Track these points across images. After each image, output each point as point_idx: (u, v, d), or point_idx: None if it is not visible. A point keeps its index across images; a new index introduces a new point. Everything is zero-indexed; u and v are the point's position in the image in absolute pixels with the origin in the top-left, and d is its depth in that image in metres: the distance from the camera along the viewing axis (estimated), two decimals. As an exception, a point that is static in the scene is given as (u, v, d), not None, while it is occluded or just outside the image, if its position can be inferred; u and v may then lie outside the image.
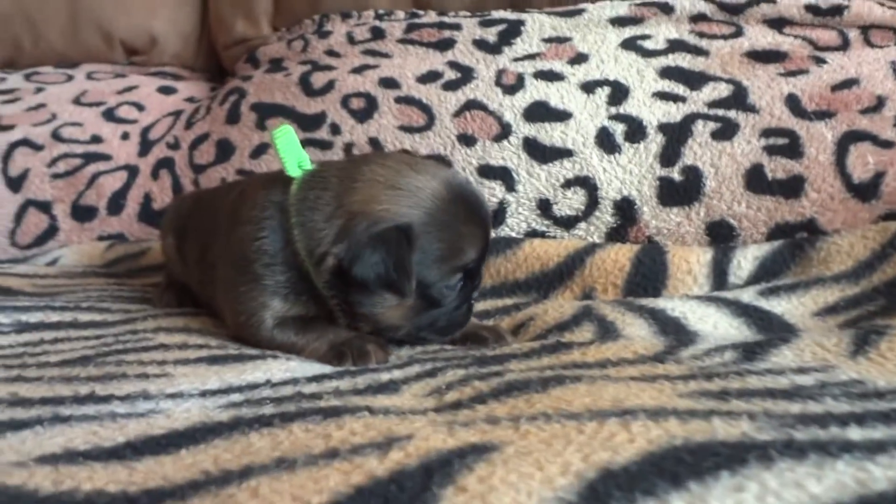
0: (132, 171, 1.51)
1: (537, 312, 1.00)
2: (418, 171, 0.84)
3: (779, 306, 0.95)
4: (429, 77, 1.32)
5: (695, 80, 1.21)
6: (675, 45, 1.26)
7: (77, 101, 1.63)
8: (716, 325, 0.90)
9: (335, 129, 1.33)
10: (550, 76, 1.26)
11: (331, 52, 1.45)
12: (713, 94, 1.20)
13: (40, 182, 1.52)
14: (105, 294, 1.16)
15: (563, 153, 1.19)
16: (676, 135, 1.17)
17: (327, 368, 0.79)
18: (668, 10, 1.31)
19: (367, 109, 1.32)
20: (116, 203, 1.48)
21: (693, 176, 1.14)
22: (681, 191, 1.14)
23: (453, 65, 1.32)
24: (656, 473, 0.42)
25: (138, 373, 0.73)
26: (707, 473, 0.41)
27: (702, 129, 1.16)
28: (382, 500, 0.41)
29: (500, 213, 1.21)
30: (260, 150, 1.39)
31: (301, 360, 0.82)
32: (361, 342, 0.82)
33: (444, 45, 1.36)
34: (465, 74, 1.30)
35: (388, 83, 1.33)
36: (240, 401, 0.65)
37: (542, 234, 1.20)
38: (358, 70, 1.38)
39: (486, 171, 1.22)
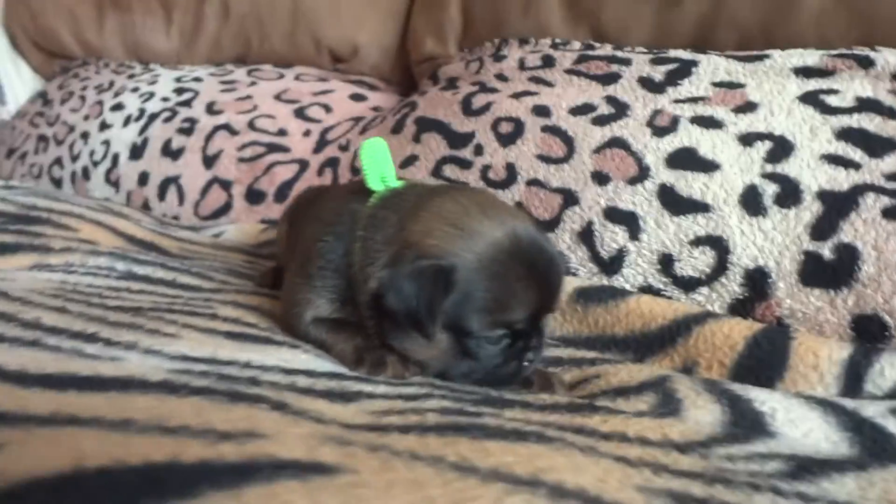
0: (303, 165, 1.61)
1: (608, 371, 0.90)
2: (486, 215, 0.79)
3: (910, 430, 0.76)
4: (582, 109, 1.25)
5: (878, 146, 1.02)
6: (865, 105, 1.07)
7: (278, 97, 1.78)
8: (807, 434, 0.74)
9: (478, 150, 1.31)
10: (708, 122, 1.13)
11: (500, 76, 1.44)
12: (897, 165, 1.00)
13: (228, 163, 1.68)
14: (228, 267, 1.24)
15: (700, 207, 1.07)
16: (838, 206, 0.99)
17: (341, 370, 0.77)
18: (866, 63, 1.12)
19: (512, 134, 1.29)
20: (283, 192, 1.59)
21: (848, 256, 0.96)
22: (829, 271, 0.96)
23: (610, 100, 1.25)
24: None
25: (154, 328, 0.76)
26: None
27: (871, 204, 0.97)
28: (157, 479, 0.39)
29: (617, 261, 1.11)
30: (409, 160, 1.41)
31: (327, 358, 0.81)
32: (383, 353, 0.79)
33: (609, 79, 1.29)
34: (619, 111, 1.22)
35: (541, 111, 1.29)
36: (210, 371, 0.65)
37: (658, 293, 1.08)
38: (517, 95, 1.35)
39: (613, 214, 1.12)
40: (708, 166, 1.09)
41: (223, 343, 0.77)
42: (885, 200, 0.97)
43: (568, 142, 1.22)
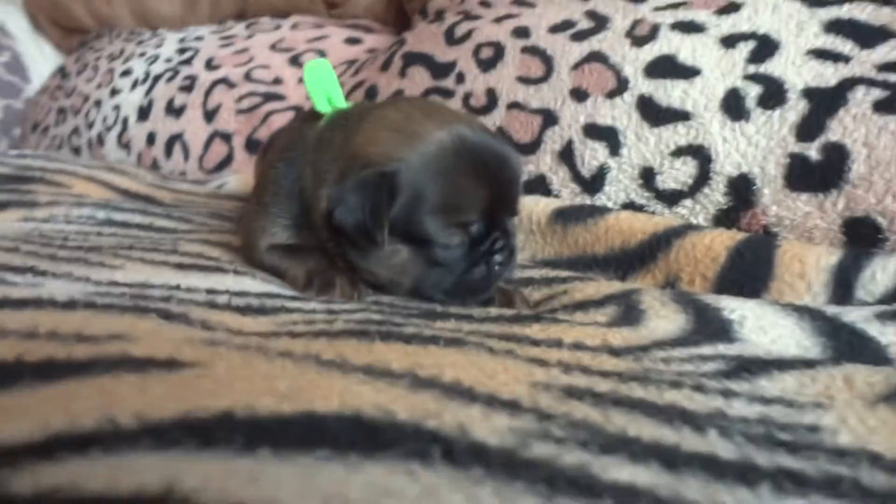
0: (299, 111, 1.59)
1: (576, 287, 0.86)
2: (430, 118, 0.76)
3: (892, 335, 0.71)
4: (561, 27, 1.19)
5: (870, 36, 0.94)
6: (859, -7, 0.99)
7: (273, 47, 1.76)
8: (775, 340, 0.70)
9: (460, 78, 1.27)
10: (689, 27, 1.06)
11: (483, 3, 1.38)
12: (890, 54, 0.92)
13: (227, 116, 1.67)
14: (214, 212, 1.24)
15: (679, 116, 1.00)
16: (826, 103, 0.91)
17: (281, 292, 0.75)
18: (861, -51, 1.03)
19: (493, 59, 1.24)
20: (280, 141, 1.57)
21: (836, 156, 0.89)
22: (817, 173, 0.90)
23: (591, 14, 1.18)
24: (298, 432, 0.34)
25: (99, 261, 0.76)
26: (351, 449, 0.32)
27: (861, 98, 0.90)
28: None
29: (598, 179, 1.06)
30: (397, 93, 1.37)
31: (276, 284, 0.80)
32: (332, 274, 0.77)
33: (589, -7, 1.22)
34: (599, 24, 1.15)
35: (521, 32, 1.23)
36: (129, 293, 0.64)
37: (641, 209, 1.03)
38: (499, 20, 1.29)
39: (592, 131, 1.07)
40: (688, 72, 1.02)
41: (165, 272, 0.76)
42: (877, 93, 0.89)
43: (547, 61, 1.16)
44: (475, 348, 0.56)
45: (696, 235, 0.91)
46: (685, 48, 1.04)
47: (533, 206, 1.04)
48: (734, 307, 0.75)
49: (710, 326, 0.73)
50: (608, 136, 1.05)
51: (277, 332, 0.56)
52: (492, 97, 1.20)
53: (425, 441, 0.36)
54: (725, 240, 0.89)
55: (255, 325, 0.59)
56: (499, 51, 1.24)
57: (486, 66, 1.24)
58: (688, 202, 0.99)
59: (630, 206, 1.03)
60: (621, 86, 1.07)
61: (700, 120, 0.99)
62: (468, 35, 1.31)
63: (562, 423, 0.41)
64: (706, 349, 0.64)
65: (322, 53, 1.70)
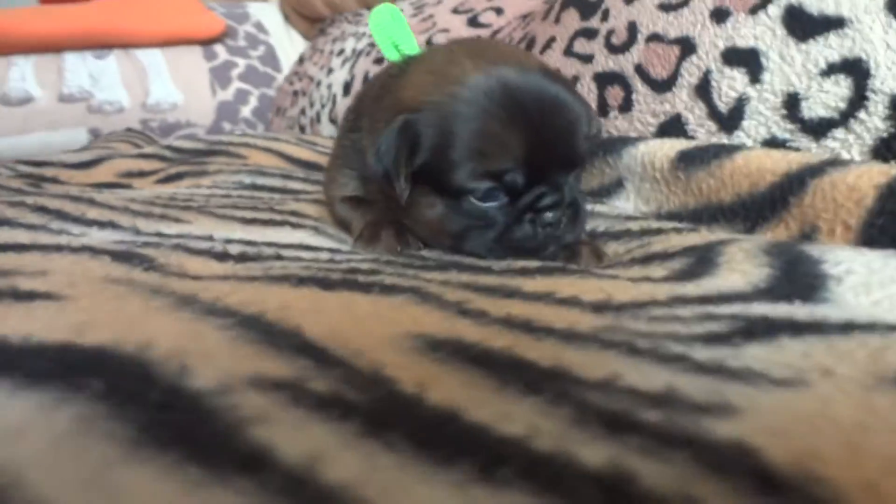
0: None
1: (661, 240, 0.73)
2: (474, 59, 0.69)
3: None
4: (712, -62, 1.01)
5: None
6: None
7: (454, 11, 1.74)
8: (878, 302, 0.54)
9: (605, 15, 1.14)
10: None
11: (644, -73, 1.22)
12: None
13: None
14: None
15: (833, 23, 0.79)
16: None
17: (319, 243, 0.74)
18: None
19: (637, -12, 1.09)
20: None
21: None
22: None
23: (747, -83, 0.98)
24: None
25: (176, 216, 0.82)
26: None
27: None
28: None
29: (736, 113, 0.88)
30: (548, 44, 1.27)
31: (328, 237, 0.79)
32: (381, 228, 0.74)
33: None
34: (753, -73, 0.95)
35: (669, -47, 1.07)
36: (148, 242, 0.67)
37: (783, 145, 0.83)
38: (652, -58, 1.13)
39: (731, 57, 0.89)
40: (847, -33, 0.80)
41: (228, 225, 0.79)
42: None
43: (690, -19, 0.99)
44: (411, 297, 0.49)
45: (837, 173, 0.71)
46: (849, -63, 0.82)
47: (656, 151, 0.90)
48: (842, 259, 0.58)
49: (795, 283, 0.57)
50: (749, 61, 0.87)
51: (236, 276, 0.54)
52: (632, 31, 1.06)
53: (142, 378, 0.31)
54: (875, 176, 0.69)
55: (221, 269, 0.58)
56: (644, -23, 1.08)
57: (630, -3, 1.09)
58: (839, 132, 0.78)
59: (771, 143, 0.84)
60: (767, -3, 0.87)
61: (857, 26, 0.77)
62: (619, -34, 1.17)
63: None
64: (760, 307, 0.49)
65: (499, 10, 1.65)
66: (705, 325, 0.45)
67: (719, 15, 0.92)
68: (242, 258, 0.62)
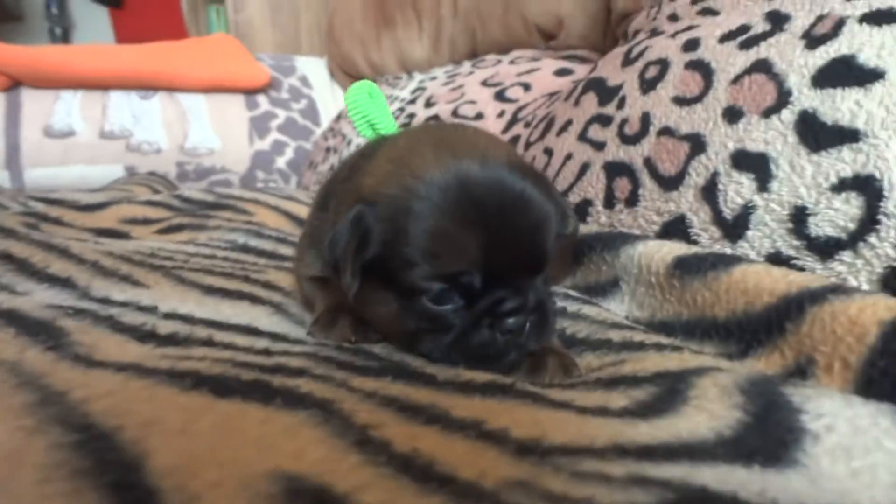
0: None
1: (638, 358, 0.67)
2: (436, 149, 0.65)
3: None
4: (734, 34, 0.96)
5: None
6: None
7: (484, 83, 1.72)
8: (858, 473, 0.47)
9: (621, 103, 1.09)
10: (884, 17, 0.77)
11: (672, 17, 1.18)
12: None
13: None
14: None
15: (847, 136, 0.73)
16: None
17: (266, 327, 0.70)
18: None
19: (655, 78, 1.04)
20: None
21: None
22: None
23: (771, 15, 0.93)
24: None
25: (139, 280, 0.79)
26: None
27: None
28: None
29: (741, 221, 0.82)
30: (565, 126, 1.23)
31: (290, 318, 0.74)
32: (338, 315, 0.70)
33: (779, -11, 0.96)
34: (776, 25, 0.90)
35: (690, 45, 1.02)
36: (78, 308, 0.63)
37: (787, 262, 0.76)
38: (676, 34, 1.09)
39: (740, 160, 0.83)
40: (866, 77, 0.74)
41: (182, 293, 0.75)
42: None
43: (707, 75, 0.94)
44: (317, 414, 0.44)
45: (839, 302, 0.64)
46: (870, 45, 0.76)
47: (653, 254, 0.84)
48: (826, 411, 0.52)
49: (766, 435, 0.50)
50: (758, 166, 0.81)
51: (137, 367, 0.50)
52: (645, 122, 1.01)
53: None
54: (881, 311, 0.61)
55: (132, 353, 0.53)
56: (664, 68, 1.04)
57: (648, 86, 1.05)
58: (847, 255, 0.71)
59: (775, 258, 0.77)
60: (781, 100, 0.82)
61: (873, 141, 0.71)
62: (642, 54, 1.13)
63: None
64: (709, 472, 0.43)
65: (527, 87, 1.62)
66: (630, 492, 0.38)
67: (732, 114, 0.87)
68: (167, 341, 0.57)
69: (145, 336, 0.58)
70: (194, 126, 2.66)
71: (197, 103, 2.70)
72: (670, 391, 0.57)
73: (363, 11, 2.53)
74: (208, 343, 0.58)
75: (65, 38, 5.22)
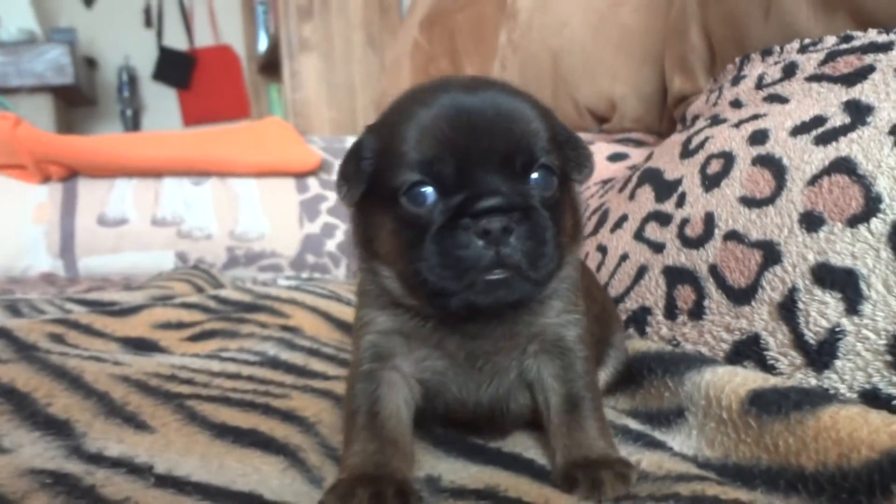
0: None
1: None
2: (442, 84, 0.68)
3: None
4: (808, 126, 0.85)
5: None
6: None
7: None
8: None
9: (681, 200, 0.99)
10: None
11: (734, 103, 1.08)
12: None
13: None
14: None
15: (956, 255, 0.61)
16: None
17: (297, 498, 0.61)
18: None
19: (719, 174, 0.94)
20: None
21: None
22: None
23: (849, 105, 0.82)
24: None
25: (143, 422, 0.73)
26: None
27: None
28: None
29: (828, 348, 0.70)
30: (619, 223, 1.14)
31: (306, 476, 0.65)
32: (357, 487, 0.60)
33: (856, 77, 0.85)
34: (856, 118, 0.80)
35: (757, 138, 0.92)
36: (63, 473, 0.55)
37: (887, 403, 0.64)
38: (740, 123, 0.99)
39: (823, 276, 0.72)
40: (976, 184, 0.63)
41: (184, 443, 0.68)
42: None
43: (778, 173, 0.84)
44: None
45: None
46: (978, 146, 0.65)
47: (724, 385, 0.73)
48: None
49: None
50: (845, 284, 0.70)
51: None
52: (709, 224, 0.91)
53: None
54: None
55: None
56: (728, 163, 0.94)
57: (711, 183, 0.95)
58: (966, 401, 0.59)
59: (871, 395, 0.65)
60: (869, 207, 0.71)
61: None
62: (702, 145, 1.03)
63: None
64: None
65: (578, 173, 1.53)
66: None
67: (810, 221, 0.76)
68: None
69: None
70: (245, 211, 2.65)
71: (248, 188, 2.70)
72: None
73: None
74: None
75: (135, 119, 5.41)
